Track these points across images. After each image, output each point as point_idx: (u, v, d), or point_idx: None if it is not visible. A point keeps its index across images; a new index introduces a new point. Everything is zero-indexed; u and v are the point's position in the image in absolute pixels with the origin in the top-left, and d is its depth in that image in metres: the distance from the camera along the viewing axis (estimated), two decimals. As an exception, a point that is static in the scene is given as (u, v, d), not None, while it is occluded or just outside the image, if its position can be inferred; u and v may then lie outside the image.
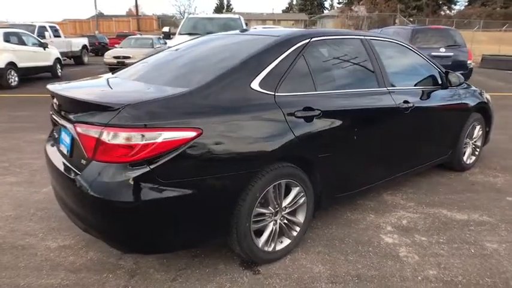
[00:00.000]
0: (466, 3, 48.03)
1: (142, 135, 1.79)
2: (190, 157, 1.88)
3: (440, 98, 3.42)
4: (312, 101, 2.39)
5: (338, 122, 2.51)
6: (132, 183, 1.80)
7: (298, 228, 2.49)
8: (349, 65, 2.83)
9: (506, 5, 43.37)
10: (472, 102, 3.82)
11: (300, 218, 2.48)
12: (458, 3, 45.79)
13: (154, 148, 1.81)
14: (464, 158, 4.01)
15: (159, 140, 1.81)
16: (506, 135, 5.65)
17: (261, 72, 2.24)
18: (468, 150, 4.05)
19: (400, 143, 3.11)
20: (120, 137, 1.80)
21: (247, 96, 2.15)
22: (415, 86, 3.29)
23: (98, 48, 24.08)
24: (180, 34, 9.15)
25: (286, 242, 2.45)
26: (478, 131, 4.08)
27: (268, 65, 2.28)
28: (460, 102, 3.69)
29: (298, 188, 2.39)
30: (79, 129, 1.96)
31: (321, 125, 2.39)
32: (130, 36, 18.03)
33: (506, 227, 2.92)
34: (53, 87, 2.35)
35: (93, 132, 1.87)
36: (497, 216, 3.10)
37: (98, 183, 1.86)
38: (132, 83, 2.45)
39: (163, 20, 47.01)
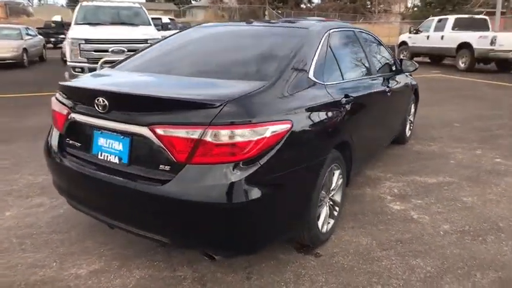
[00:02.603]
0: (322, -3, 53.30)
1: (254, 131, 1.71)
2: (286, 150, 1.87)
3: (400, 81, 3.97)
4: (346, 89, 2.57)
5: (361, 106, 2.75)
6: (244, 182, 1.71)
7: (337, 208, 2.67)
8: (354, 54, 3.09)
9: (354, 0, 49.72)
10: (412, 84, 4.52)
11: (338, 198, 2.66)
12: (316, -3, 50.63)
13: (264, 144, 1.75)
14: (406, 132, 4.72)
15: (267, 134, 1.76)
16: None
17: (312, 63, 2.30)
18: (407, 125, 4.78)
19: (386, 120, 3.59)
20: (228, 136, 1.68)
21: (311, 86, 2.20)
22: (387, 72, 3.75)
23: None
24: (77, 24, 8.16)
25: (332, 222, 2.60)
26: (413, 108, 4.84)
27: (314, 56, 2.36)
28: (409, 84, 4.33)
29: (339, 171, 2.56)
30: (160, 131, 1.75)
31: (354, 109, 2.59)
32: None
33: (467, 183, 3.61)
34: (102, 85, 2.06)
35: (187, 133, 1.70)
36: (455, 176, 3.79)
37: (201, 187, 1.71)
38: (176, 77, 2.23)
39: (11, 7, 40.27)
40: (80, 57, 7.24)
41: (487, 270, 2.31)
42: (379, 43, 3.85)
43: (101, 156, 2.01)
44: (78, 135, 2.15)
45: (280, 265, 2.31)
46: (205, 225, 1.77)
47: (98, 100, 1.90)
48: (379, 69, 3.53)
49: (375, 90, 3.15)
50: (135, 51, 7.49)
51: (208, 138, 1.68)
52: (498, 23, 15.80)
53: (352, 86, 2.73)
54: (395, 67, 4.03)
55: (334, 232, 2.67)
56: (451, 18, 13.88)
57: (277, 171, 1.84)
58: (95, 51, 7.27)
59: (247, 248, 1.90)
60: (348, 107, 2.50)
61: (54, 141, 2.29)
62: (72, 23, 8.30)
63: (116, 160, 1.95)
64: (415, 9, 34.41)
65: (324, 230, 2.47)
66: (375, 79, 3.26)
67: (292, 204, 2.04)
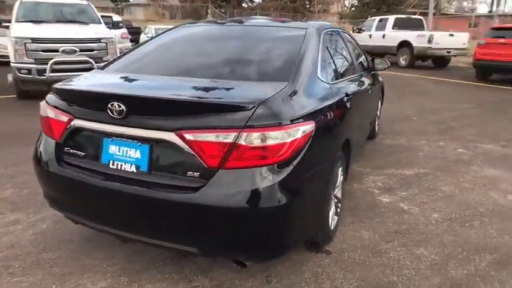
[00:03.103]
0: (263, -3, 53.90)
1: (287, 133, 1.68)
2: (311, 150, 1.86)
3: (375, 78, 4.14)
4: (344, 87, 2.62)
5: (355, 104, 2.82)
6: (279, 185, 1.68)
7: (339, 205, 2.72)
8: (343, 53, 3.15)
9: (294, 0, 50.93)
10: (380, 81, 4.73)
11: (340, 194, 2.71)
12: (256, -3, 51.10)
13: (296, 145, 1.73)
14: (376, 127, 4.94)
15: (299, 135, 1.74)
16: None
17: (318, 62, 2.32)
18: (376, 120, 5.00)
19: (368, 116, 3.74)
20: (262, 138, 1.63)
21: (321, 86, 2.21)
22: (365, 70, 3.89)
23: None
24: (18, 22, 7.47)
25: (336, 219, 2.64)
26: (380, 104, 5.08)
27: (318, 56, 2.37)
28: (379, 81, 4.53)
29: (341, 168, 2.61)
30: (190, 137, 1.66)
31: (351, 107, 2.65)
32: None
33: (441, 173, 3.86)
34: (117, 88, 1.91)
35: (220, 137, 1.63)
36: (428, 167, 4.04)
37: (236, 192, 1.65)
38: (191, 79, 2.10)
39: None
40: (26, 58, 6.65)
41: (482, 253, 2.49)
42: (356, 42, 3.98)
43: (113, 165, 1.86)
44: (81, 144, 1.97)
45: (296, 266, 2.30)
46: (240, 231, 1.71)
47: (112, 105, 1.75)
48: (361, 67, 3.65)
49: (363, 88, 3.26)
50: (90, 51, 7.21)
51: (243, 141, 1.62)
52: (431, 22, 17.11)
53: (348, 85, 2.79)
54: (369, 65, 4.20)
55: (337, 228, 2.72)
56: (391, 18, 14.77)
57: (305, 172, 1.83)
58: (43, 51, 6.72)
59: (279, 251, 1.86)
60: (348, 105, 2.55)
61: (48, 151, 2.08)
62: (13, 20, 7.57)
63: (133, 169, 1.81)
64: (353, 9, 36.12)
65: (332, 227, 2.51)
66: (361, 77, 3.37)
67: (315, 204, 2.05)
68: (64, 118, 1.96)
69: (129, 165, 1.82)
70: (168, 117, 1.72)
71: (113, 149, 1.86)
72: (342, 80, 2.73)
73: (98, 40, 7.40)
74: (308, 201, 1.92)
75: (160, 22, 31.00)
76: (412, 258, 2.42)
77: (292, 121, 1.71)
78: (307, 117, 1.84)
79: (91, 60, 7.11)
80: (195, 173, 1.70)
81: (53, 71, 6.70)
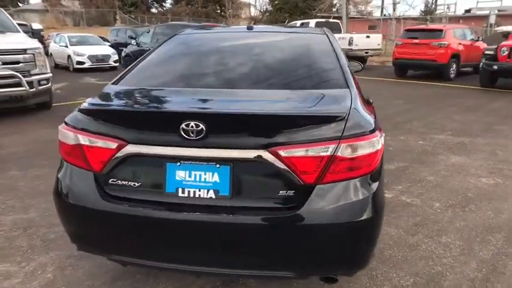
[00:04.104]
0: (173, 2, 52.93)
1: (375, 142, 1.66)
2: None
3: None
4: None
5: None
6: (375, 195, 1.66)
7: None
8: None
9: (205, 5, 50.95)
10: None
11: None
12: (166, 2, 50.01)
13: (380, 153, 1.72)
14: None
15: (382, 142, 1.74)
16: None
17: (347, 65, 2.31)
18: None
19: None
20: (354, 149, 1.60)
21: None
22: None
23: None
24: None
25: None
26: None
27: (345, 58, 2.37)
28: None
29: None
30: (283, 153, 1.55)
31: None
32: None
33: (418, 165, 4.18)
34: (194, 107, 1.73)
35: (318, 151, 1.55)
36: (405, 160, 4.34)
37: (337, 208, 1.58)
38: (248, 91, 1.98)
39: None
40: None
41: (493, 233, 2.76)
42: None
43: (183, 193, 1.65)
44: (135, 173, 1.71)
45: (349, 271, 2.30)
46: (342, 246, 1.65)
47: (187, 125, 1.55)
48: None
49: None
50: (15, 64, 6.29)
51: (340, 153, 1.57)
52: (345, 26, 18.49)
53: None
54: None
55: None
56: (312, 22, 15.60)
57: (382, 179, 1.84)
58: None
59: (368, 260, 1.82)
60: None
61: (83, 185, 1.76)
62: None
63: (211, 194, 1.63)
64: (267, 14, 37.33)
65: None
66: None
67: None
68: (111, 145, 1.69)
69: (205, 191, 1.64)
70: (257, 133, 1.58)
71: (181, 174, 1.65)
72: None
73: (24, 51, 6.52)
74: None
75: (64, 29, 28.54)
76: (443, 247, 2.58)
77: (374, 129, 1.70)
78: (377, 124, 1.85)
79: (18, 74, 6.25)
80: (288, 192, 1.59)
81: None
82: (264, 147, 1.56)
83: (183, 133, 1.57)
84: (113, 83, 2.18)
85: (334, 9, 34.02)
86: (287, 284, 2.18)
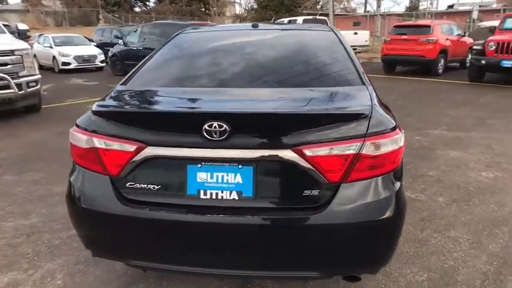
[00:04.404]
0: (156, 1, 52.39)
1: (397, 139, 1.65)
2: (400, 152, 1.87)
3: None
4: None
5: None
6: (399, 192, 1.66)
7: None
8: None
9: (190, 3, 50.54)
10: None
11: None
12: (150, 1, 49.43)
13: (402, 150, 1.72)
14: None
15: (403, 139, 1.73)
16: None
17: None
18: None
19: None
20: (379, 146, 1.59)
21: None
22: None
23: None
24: None
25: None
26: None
27: (355, 55, 2.37)
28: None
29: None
30: (309, 152, 1.53)
31: None
32: None
33: (417, 161, 4.22)
34: (217, 107, 1.69)
35: (343, 149, 1.54)
36: (404, 155, 4.36)
37: (363, 206, 1.57)
38: (268, 90, 1.95)
39: None
40: None
41: (499, 226, 2.80)
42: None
43: (205, 195, 1.61)
44: (154, 176, 1.66)
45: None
46: (368, 244, 1.64)
47: (210, 126, 1.52)
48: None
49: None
50: (3, 65, 6.11)
51: (364, 151, 1.56)
52: (333, 22, 18.58)
53: None
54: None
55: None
56: (300, 19, 15.64)
57: (402, 177, 1.83)
58: None
59: (390, 258, 1.81)
60: None
61: (99, 189, 1.71)
62: None
63: (233, 196, 1.60)
64: (253, 11, 37.24)
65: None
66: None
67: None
68: (129, 147, 1.64)
69: (228, 192, 1.61)
70: (281, 133, 1.56)
71: (202, 176, 1.62)
72: None
73: (11, 52, 6.34)
74: None
75: (46, 30, 27.93)
76: (452, 241, 2.61)
77: (395, 127, 1.70)
78: (396, 122, 1.84)
79: (6, 76, 6.09)
80: (313, 191, 1.57)
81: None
82: (288, 146, 1.54)
83: (205, 134, 1.54)
84: (121, 84, 2.12)
85: (318, 7, 34.24)
86: (302, 284, 2.17)
